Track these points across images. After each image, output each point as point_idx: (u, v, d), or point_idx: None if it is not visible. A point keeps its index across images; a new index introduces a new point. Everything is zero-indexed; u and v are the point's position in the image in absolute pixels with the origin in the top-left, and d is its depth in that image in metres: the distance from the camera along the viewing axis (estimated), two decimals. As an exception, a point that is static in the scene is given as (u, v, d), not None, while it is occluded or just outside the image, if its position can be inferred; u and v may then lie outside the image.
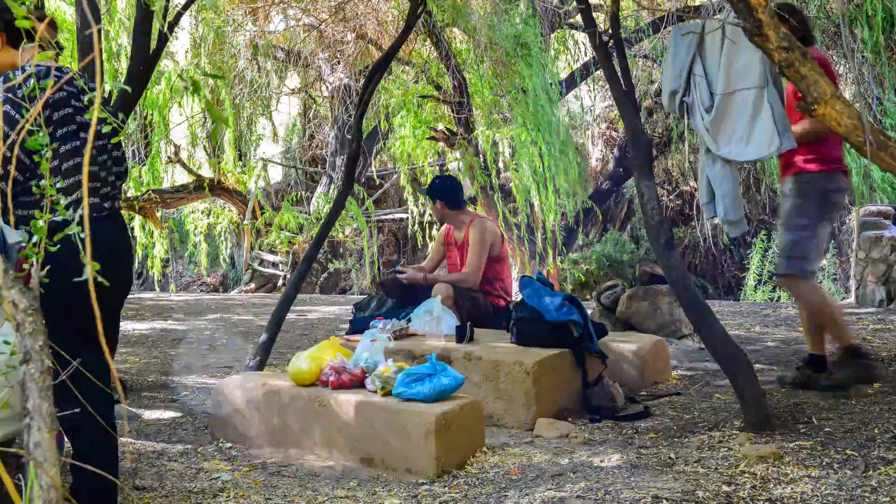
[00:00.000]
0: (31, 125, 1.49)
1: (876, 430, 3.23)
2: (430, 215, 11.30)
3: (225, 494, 2.87)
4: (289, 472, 3.10)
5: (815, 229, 3.89)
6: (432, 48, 10.03)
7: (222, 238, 14.09)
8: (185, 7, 4.85)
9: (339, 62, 11.58)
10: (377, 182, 14.32)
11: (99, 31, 1.20)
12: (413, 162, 11.75)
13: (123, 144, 2.75)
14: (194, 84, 1.70)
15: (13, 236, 2.70)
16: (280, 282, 12.91)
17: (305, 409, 3.33)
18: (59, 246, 1.42)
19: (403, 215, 13.64)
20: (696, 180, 12.38)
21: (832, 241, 12.61)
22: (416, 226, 12.69)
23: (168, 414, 4.04)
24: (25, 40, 2.09)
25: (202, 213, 13.79)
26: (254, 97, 11.86)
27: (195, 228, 13.61)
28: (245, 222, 13.13)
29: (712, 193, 4.12)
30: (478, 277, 4.75)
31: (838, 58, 9.49)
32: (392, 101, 10.67)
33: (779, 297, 11.61)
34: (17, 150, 1.39)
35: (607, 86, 4.49)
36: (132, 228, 13.03)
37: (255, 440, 3.47)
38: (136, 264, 15.05)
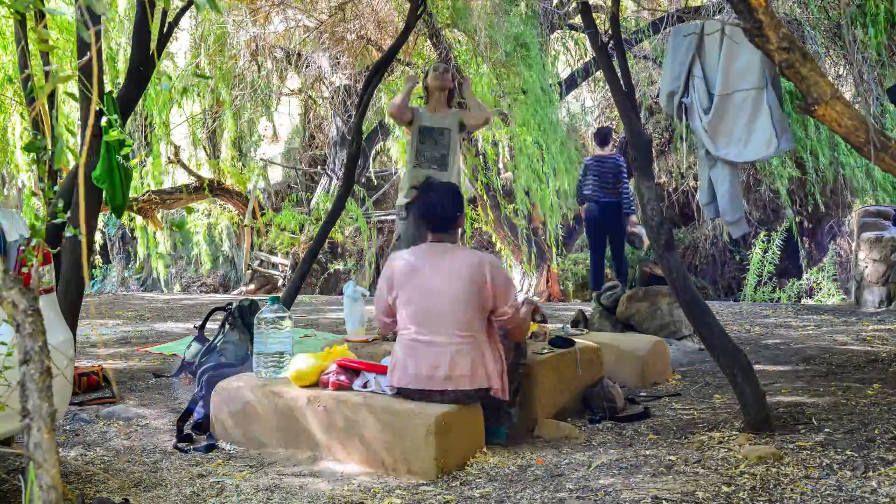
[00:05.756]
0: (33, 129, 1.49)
1: (876, 431, 3.23)
2: None
3: (225, 495, 2.87)
4: (289, 473, 3.10)
5: None
6: (432, 49, 10.02)
7: (221, 238, 14.09)
8: (183, 10, 4.85)
9: (339, 63, 11.58)
10: (377, 183, 14.31)
11: (98, 32, 1.20)
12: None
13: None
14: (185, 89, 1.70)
15: (13, 234, 2.70)
16: (280, 282, 12.90)
17: (306, 410, 3.33)
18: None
19: (403, 216, 13.61)
20: (695, 180, 12.37)
21: (832, 242, 12.61)
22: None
23: (169, 414, 4.04)
24: None
25: (202, 213, 13.78)
26: (254, 97, 11.86)
27: (195, 228, 13.60)
28: (245, 223, 13.13)
29: (713, 194, 4.12)
30: None
31: (838, 58, 9.49)
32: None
33: (778, 298, 11.61)
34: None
35: (608, 86, 4.48)
36: (132, 229, 13.04)
37: (255, 441, 3.46)
38: (137, 265, 15.05)
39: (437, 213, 3.33)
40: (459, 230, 3.45)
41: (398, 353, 3.28)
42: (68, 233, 1.61)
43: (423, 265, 3.27)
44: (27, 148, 1.36)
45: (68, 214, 4.14)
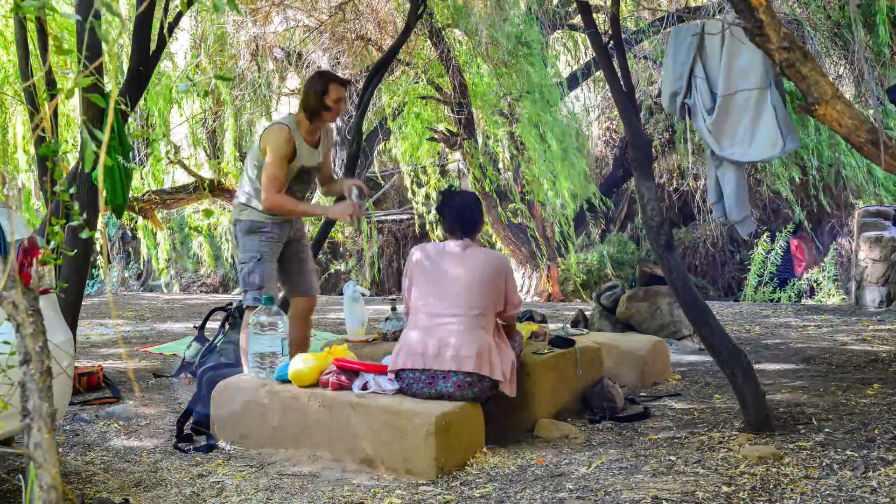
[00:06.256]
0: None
1: (876, 431, 3.24)
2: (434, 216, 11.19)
3: (225, 495, 2.87)
4: (289, 473, 3.10)
5: None
6: (432, 49, 10.02)
7: (223, 238, 14.08)
8: (182, 13, 4.85)
9: (339, 63, 11.58)
10: (377, 182, 14.31)
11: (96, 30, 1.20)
12: (414, 163, 11.74)
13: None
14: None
15: (13, 234, 2.71)
16: (280, 282, 12.87)
17: (306, 410, 3.33)
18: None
19: (404, 216, 13.63)
20: (695, 180, 12.38)
21: (832, 242, 12.61)
22: (419, 227, 12.66)
23: (169, 415, 4.04)
24: None
25: (203, 213, 13.76)
26: (254, 97, 11.85)
27: (195, 229, 13.58)
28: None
29: (721, 193, 4.12)
30: None
31: (838, 58, 9.49)
32: (392, 102, 10.67)
33: (778, 299, 11.61)
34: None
35: (608, 86, 4.48)
36: (133, 230, 13.03)
37: (255, 441, 3.46)
38: (138, 265, 15.05)
39: (462, 218, 3.50)
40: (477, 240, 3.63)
41: (405, 333, 3.40)
42: (84, 235, 1.61)
43: (443, 254, 3.44)
44: (42, 151, 1.37)
45: (84, 216, 4.14)
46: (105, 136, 1.29)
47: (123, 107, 4.07)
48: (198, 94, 10.99)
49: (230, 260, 14.48)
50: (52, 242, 1.41)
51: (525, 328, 4.07)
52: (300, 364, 3.46)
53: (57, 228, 1.41)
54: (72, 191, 2.25)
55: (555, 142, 9.75)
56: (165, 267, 12.96)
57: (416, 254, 3.52)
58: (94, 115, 4.08)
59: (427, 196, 11.87)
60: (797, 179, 11.07)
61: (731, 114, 3.89)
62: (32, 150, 8.23)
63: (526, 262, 11.26)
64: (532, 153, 9.97)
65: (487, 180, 10.44)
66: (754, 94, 3.82)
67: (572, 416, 3.83)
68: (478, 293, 3.33)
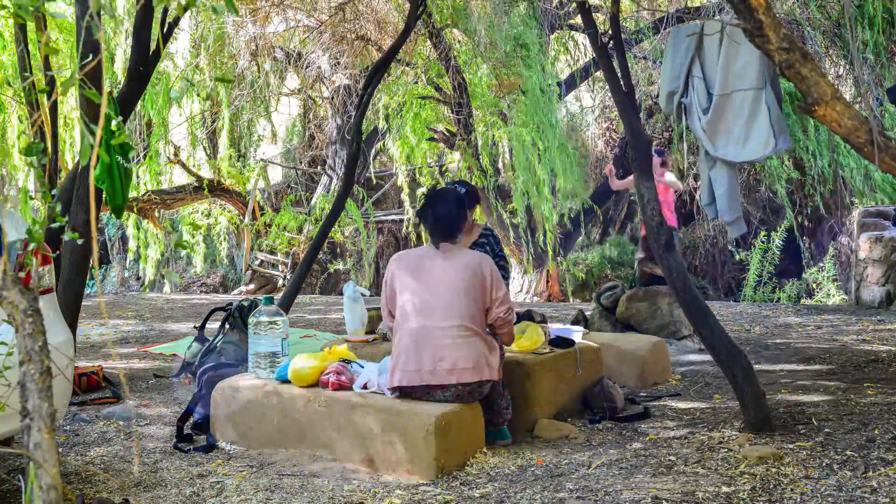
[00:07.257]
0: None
1: (876, 431, 3.23)
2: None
3: (225, 495, 2.87)
4: (289, 473, 3.10)
5: None
6: (432, 49, 10.02)
7: (222, 239, 14.08)
8: (184, 10, 4.84)
9: (339, 63, 11.58)
10: (376, 183, 14.31)
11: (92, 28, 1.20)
12: (412, 163, 11.75)
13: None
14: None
15: (12, 235, 2.70)
16: (280, 282, 12.90)
17: (306, 410, 3.33)
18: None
19: (403, 216, 13.64)
20: (695, 180, 12.38)
21: (832, 242, 12.61)
22: (412, 227, 12.66)
23: (169, 415, 4.04)
24: None
25: (202, 213, 13.77)
26: (254, 97, 11.86)
27: (194, 229, 13.58)
28: (245, 223, 13.13)
29: (713, 194, 4.12)
30: None
31: (838, 58, 9.50)
32: (392, 102, 10.67)
33: (778, 299, 11.61)
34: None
35: (607, 86, 4.48)
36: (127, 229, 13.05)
37: (255, 441, 3.46)
38: (136, 265, 15.06)
39: (445, 225, 3.40)
40: (462, 232, 3.54)
41: (398, 349, 3.28)
42: (66, 237, 1.61)
43: (424, 262, 3.36)
44: (25, 152, 1.36)
45: (66, 219, 4.14)
46: (98, 131, 1.28)
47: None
48: (197, 95, 11.00)
49: (228, 259, 14.49)
50: (32, 244, 1.40)
51: (532, 341, 3.89)
52: (300, 364, 3.46)
53: (36, 228, 1.40)
54: (54, 192, 2.25)
55: (548, 144, 9.76)
56: (166, 265, 12.96)
57: (395, 263, 3.42)
58: (94, 115, 4.08)
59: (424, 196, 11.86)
60: (795, 179, 11.08)
61: (726, 114, 3.90)
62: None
63: (525, 261, 11.26)
64: (524, 155, 9.97)
65: (486, 180, 10.44)
66: (750, 94, 3.82)
67: (572, 416, 3.83)
68: (465, 299, 3.25)
